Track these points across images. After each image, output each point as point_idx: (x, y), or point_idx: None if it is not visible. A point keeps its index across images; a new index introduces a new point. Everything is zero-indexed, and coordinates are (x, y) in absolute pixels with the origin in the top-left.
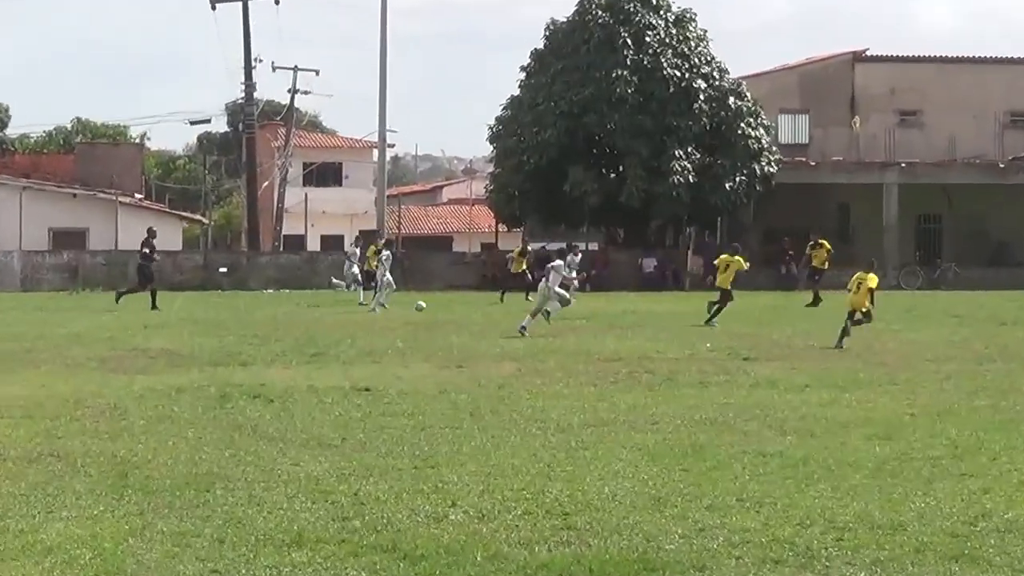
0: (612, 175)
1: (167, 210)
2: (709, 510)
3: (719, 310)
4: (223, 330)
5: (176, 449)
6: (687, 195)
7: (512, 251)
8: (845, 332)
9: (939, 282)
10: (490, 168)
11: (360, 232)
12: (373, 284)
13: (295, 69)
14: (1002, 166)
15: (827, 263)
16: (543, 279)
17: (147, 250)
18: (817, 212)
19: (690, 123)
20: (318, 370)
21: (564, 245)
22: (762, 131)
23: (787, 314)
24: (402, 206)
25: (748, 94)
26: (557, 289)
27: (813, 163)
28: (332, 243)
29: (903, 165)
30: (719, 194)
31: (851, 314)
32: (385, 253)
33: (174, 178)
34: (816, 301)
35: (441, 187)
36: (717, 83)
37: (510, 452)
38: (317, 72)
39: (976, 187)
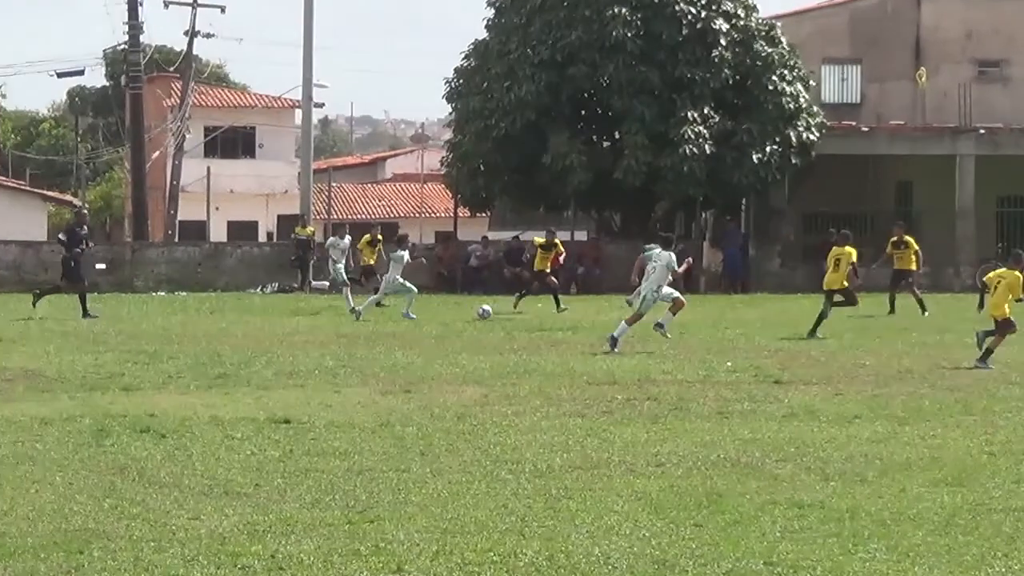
0: (606, 144)
1: (27, 188)
2: None
3: (846, 306)
4: (101, 344)
5: (40, 499)
6: (703, 170)
7: (534, 241)
8: (983, 341)
9: None
10: (447, 135)
11: (334, 226)
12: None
13: (194, 5)
14: None
15: (916, 264)
16: (645, 278)
17: (63, 237)
18: (871, 192)
19: (708, 76)
20: (224, 396)
21: (667, 235)
22: (800, 87)
23: (831, 324)
24: (333, 183)
25: (783, 38)
26: (664, 290)
27: (866, 128)
28: (242, 231)
29: (982, 131)
30: (744, 169)
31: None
32: (399, 253)
33: (37, 147)
34: (923, 307)
35: (383, 159)
36: (743, 24)
37: (472, 502)
38: (223, 9)
39: None
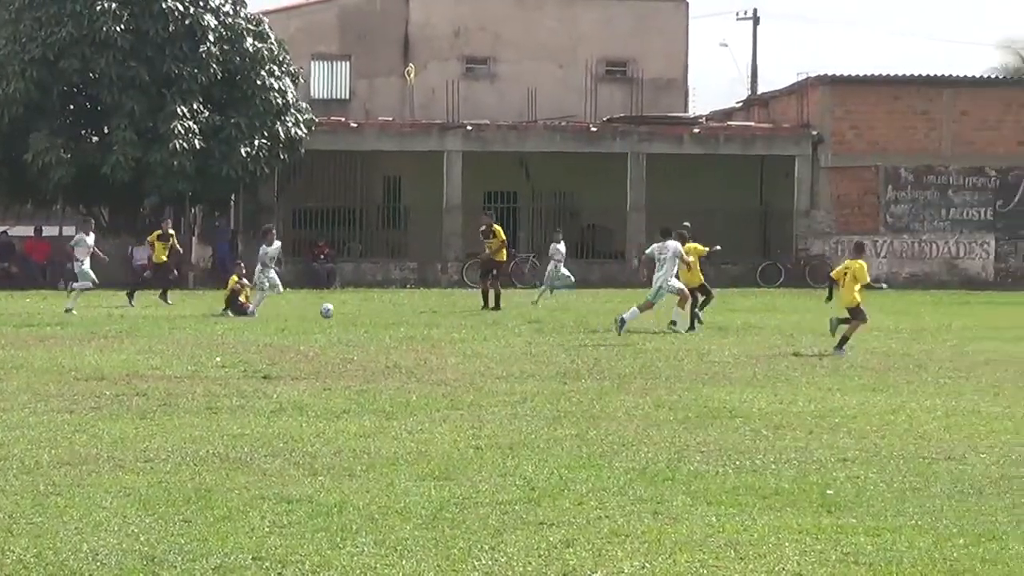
0: (95, 139)
1: None
2: (217, 572)
3: (704, 303)
4: None
5: None
6: (191, 165)
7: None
8: (836, 328)
9: (514, 278)
10: None
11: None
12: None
13: None
14: (594, 129)
15: (503, 255)
16: (657, 270)
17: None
18: (359, 187)
19: (196, 71)
20: None
21: (667, 227)
22: (289, 82)
23: (320, 319)
24: None
25: (272, 34)
26: (672, 281)
27: (354, 124)
28: None
29: (469, 128)
30: (232, 163)
31: (849, 310)
32: (265, 249)
33: None
34: (496, 303)
35: None
36: (231, 20)
37: None
38: None
39: (561, 156)
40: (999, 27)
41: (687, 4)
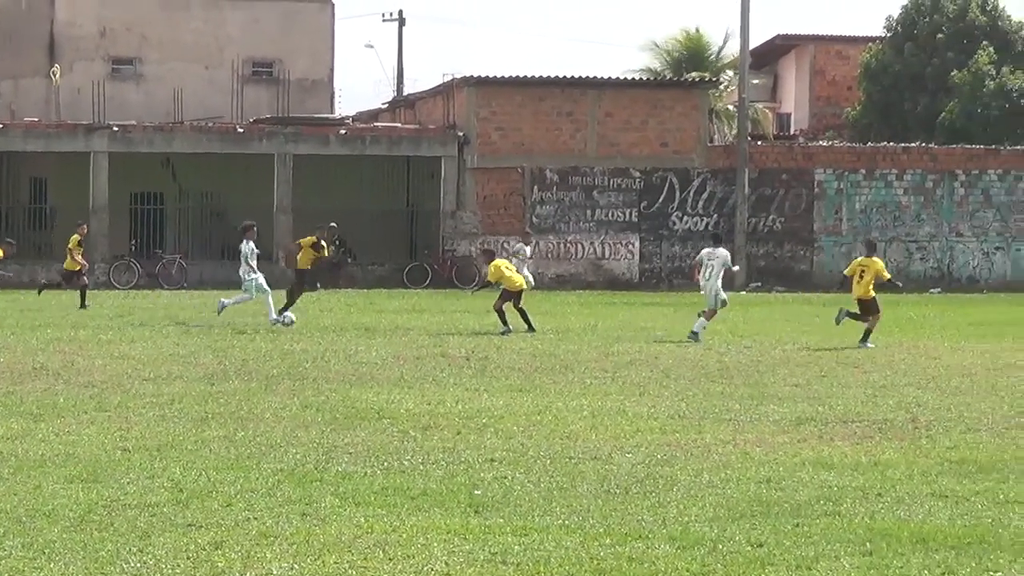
0: None
1: None
2: None
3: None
4: None
5: None
6: None
7: None
8: (843, 317)
9: (161, 279)
10: None
11: None
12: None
13: None
14: (241, 130)
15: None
16: (705, 274)
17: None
18: (5, 188)
19: None
20: None
21: (717, 232)
22: None
23: None
24: None
25: None
26: (719, 285)
27: (1, 125)
28: None
29: (115, 128)
30: None
31: (862, 304)
32: (247, 246)
33: None
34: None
35: None
36: None
37: None
38: None
39: (208, 157)
40: (641, 29)
41: (333, 5)
